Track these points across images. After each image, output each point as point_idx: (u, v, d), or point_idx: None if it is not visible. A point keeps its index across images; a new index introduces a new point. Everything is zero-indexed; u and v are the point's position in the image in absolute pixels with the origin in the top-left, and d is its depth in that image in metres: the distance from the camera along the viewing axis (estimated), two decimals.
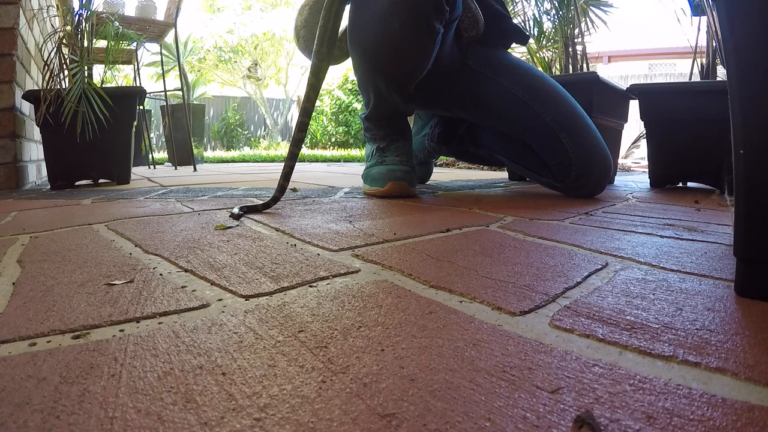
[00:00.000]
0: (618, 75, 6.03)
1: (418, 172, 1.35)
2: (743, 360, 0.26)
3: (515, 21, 2.15)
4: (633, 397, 0.23)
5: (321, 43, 0.90)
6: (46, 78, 1.36)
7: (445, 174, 2.11)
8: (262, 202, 0.86)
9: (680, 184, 1.45)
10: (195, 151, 2.88)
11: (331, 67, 1.00)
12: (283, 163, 0.91)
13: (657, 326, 0.31)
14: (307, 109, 0.89)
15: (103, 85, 1.52)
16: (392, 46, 0.95)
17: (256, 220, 0.73)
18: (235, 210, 0.78)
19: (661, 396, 0.23)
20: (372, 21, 0.96)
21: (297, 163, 0.98)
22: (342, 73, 7.46)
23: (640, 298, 0.37)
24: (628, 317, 0.33)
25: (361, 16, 0.98)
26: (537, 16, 2.14)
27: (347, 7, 0.99)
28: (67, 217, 0.78)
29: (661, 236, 0.62)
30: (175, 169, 2.66)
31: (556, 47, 2.04)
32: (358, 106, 7.01)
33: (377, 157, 1.11)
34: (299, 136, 0.89)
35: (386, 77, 1.01)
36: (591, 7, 2.13)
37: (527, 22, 2.19)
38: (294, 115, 9.54)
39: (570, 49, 1.85)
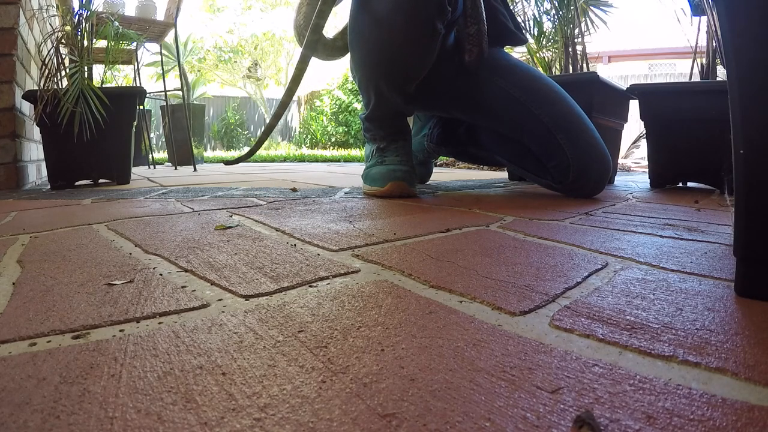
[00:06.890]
0: (618, 75, 6.03)
1: (418, 172, 1.35)
2: (743, 360, 0.26)
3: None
4: (633, 397, 0.23)
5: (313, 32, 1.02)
6: (44, 77, 1.35)
7: (445, 174, 2.11)
8: (263, 202, 0.86)
9: (680, 184, 1.45)
10: (195, 151, 2.88)
11: (331, 64, 1.09)
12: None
13: (657, 326, 0.31)
14: (291, 89, 1.07)
15: (103, 85, 1.52)
16: (395, 47, 0.96)
17: (256, 220, 0.73)
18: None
19: (661, 396, 0.23)
20: (375, 21, 0.96)
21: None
22: (342, 73, 7.45)
23: (640, 298, 0.37)
24: (628, 317, 0.33)
25: (363, 16, 0.98)
26: (537, 16, 2.14)
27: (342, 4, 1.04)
28: (67, 217, 0.78)
29: (661, 236, 0.62)
30: (175, 169, 2.66)
31: (556, 47, 2.04)
32: (358, 106, 7.00)
33: (377, 157, 1.11)
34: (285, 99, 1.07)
35: (387, 77, 1.01)
36: (591, 7, 2.13)
37: (527, 22, 2.19)
38: (294, 115, 9.54)
39: (570, 49, 1.85)
